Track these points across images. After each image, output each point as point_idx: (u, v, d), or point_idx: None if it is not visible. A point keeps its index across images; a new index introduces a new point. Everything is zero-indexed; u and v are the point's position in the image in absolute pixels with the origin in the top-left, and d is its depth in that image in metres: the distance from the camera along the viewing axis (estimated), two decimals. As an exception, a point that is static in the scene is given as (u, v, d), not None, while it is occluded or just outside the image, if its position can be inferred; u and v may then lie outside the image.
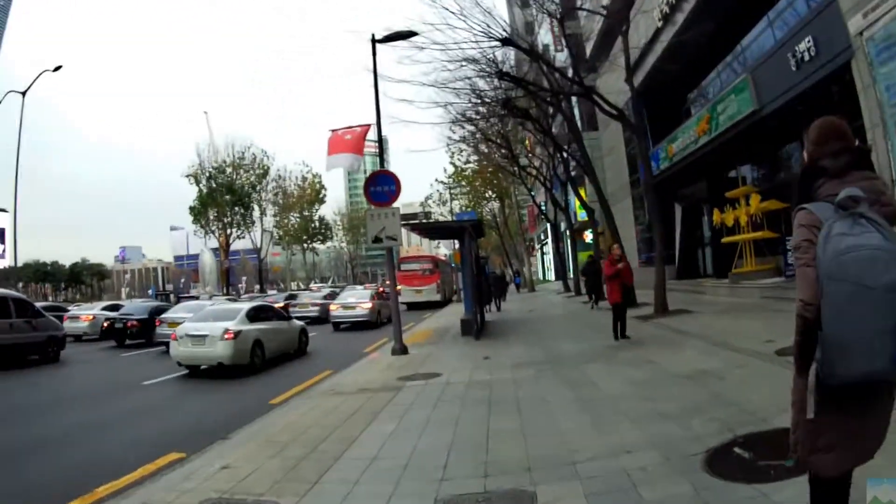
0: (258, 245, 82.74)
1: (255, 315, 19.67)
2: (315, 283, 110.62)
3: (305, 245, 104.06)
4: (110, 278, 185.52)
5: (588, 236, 47.96)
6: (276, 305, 27.49)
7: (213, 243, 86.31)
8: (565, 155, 40.45)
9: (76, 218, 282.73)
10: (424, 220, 24.76)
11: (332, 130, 19.97)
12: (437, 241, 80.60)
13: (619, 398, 9.94)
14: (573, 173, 43.40)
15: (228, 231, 76.06)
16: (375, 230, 18.27)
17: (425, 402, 11.22)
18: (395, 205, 18.73)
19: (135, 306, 33.51)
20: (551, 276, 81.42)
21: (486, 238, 67.41)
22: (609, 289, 17.07)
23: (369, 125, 20.04)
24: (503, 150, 48.50)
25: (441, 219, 63.34)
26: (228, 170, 75.65)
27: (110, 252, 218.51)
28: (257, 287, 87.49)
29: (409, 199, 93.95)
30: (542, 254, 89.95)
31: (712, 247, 30.83)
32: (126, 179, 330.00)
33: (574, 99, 36.29)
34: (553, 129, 42.15)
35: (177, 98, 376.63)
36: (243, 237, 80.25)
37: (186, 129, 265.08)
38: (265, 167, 79.07)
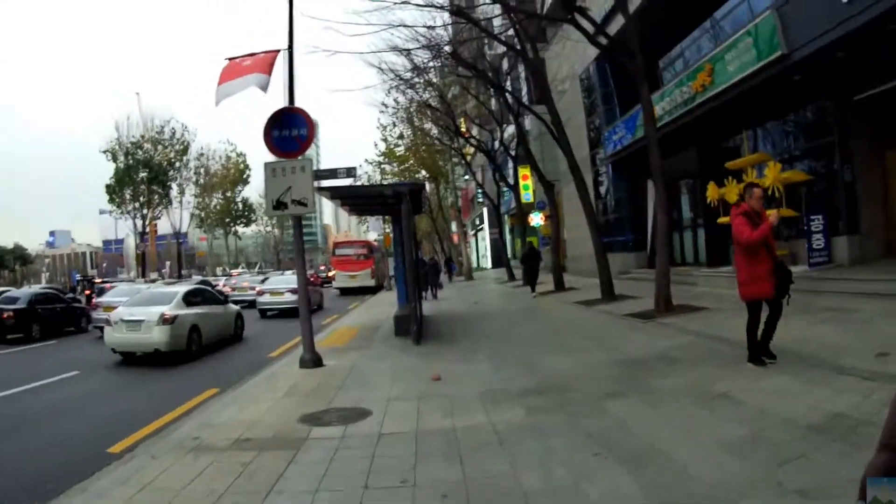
0: (177, 228, 78.29)
1: (191, 299, 19.00)
2: (238, 269, 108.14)
3: (228, 228, 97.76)
4: (33, 263, 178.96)
5: (534, 219, 43.88)
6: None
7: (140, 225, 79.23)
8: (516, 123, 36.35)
9: (7, 202, 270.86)
10: (352, 185, 19.08)
11: (229, 59, 14.54)
12: (365, 225, 75.92)
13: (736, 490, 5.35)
14: (514, 153, 40.82)
15: (145, 211, 70.91)
16: (278, 191, 13.27)
17: (340, 486, 6.34)
18: (306, 154, 13.90)
19: (19, 293, 30.24)
20: (487, 263, 77.69)
21: (417, 223, 62.53)
22: (751, 269, 9.11)
23: (279, 50, 14.46)
24: (440, 124, 45.79)
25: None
26: (147, 145, 69.70)
27: (43, 237, 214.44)
28: (188, 272, 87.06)
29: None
30: (477, 240, 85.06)
31: (705, 230, 25.84)
32: (52, 158, 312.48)
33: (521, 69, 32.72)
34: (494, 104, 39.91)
35: (94, 69, 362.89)
36: (159, 218, 75.85)
37: (112, 104, 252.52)
38: (185, 143, 73.88)
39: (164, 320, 16.79)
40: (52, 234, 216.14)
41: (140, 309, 17.54)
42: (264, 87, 13.46)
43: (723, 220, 21.34)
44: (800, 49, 16.67)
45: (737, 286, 9.46)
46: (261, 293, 32.10)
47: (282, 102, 13.92)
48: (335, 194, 17.55)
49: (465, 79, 36.14)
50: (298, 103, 14.04)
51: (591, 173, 34.02)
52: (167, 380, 14.91)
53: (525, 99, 38.89)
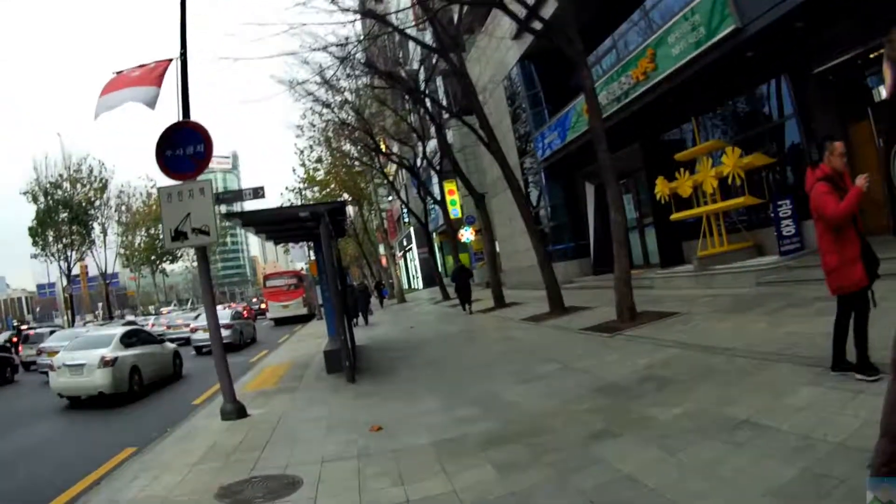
0: (102, 268, 75.64)
1: (129, 340, 18.94)
2: (169, 307, 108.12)
3: (155, 266, 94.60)
4: None
5: (464, 235, 42.82)
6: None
7: (75, 269, 75.57)
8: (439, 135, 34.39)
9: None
10: (263, 210, 17.07)
11: (117, 72, 12.75)
12: (289, 254, 74.41)
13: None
14: (439, 167, 39.24)
15: (68, 253, 67.54)
16: (176, 219, 11.45)
17: None
18: (204, 176, 11.99)
19: None
20: (418, 283, 75.84)
21: (344, 248, 66.81)
22: (840, 253, 6.98)
23: (170, 59, 12.59)
24: (359, 143, 45.13)
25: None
26: (66, 184, 66.86)
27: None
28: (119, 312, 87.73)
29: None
30: (407, 261, 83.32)
31: (655, 228, 24.12)
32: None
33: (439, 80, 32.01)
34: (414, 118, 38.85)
35: (17, 110, 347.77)
36: (82, 259, 72.96)
37: (35, 145, 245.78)
38: (103, 180, 70.65)
39: (104, 363, 16.87)
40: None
41: (80, 353, 17.47)
42: (151, 102, 11.68)
43: (677, 215, 20.17)
44: (755, 21, 15.39)
45: (824, 278, 7.20)
46: (194, 330, 31.72)
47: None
48: (247, 221, 15.63)
49: (382, 90, 34.94)
50: (211, 129, 12.07)
51: (522, 182, 32.51)
52: (81, 437, 13.50)
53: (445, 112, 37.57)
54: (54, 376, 17.41)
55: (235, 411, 11.47)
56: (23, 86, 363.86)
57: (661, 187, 20.49)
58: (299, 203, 57.40)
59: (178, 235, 11.32)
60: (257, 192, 13.68)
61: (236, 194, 13.53)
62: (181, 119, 12.14)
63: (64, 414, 16.55)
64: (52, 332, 32.54)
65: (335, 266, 15.94)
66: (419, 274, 73.91)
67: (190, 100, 12.49)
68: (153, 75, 12.17)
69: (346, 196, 59.12)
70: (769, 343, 9.42)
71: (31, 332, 36.96)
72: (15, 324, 75.76)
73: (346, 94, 39.15)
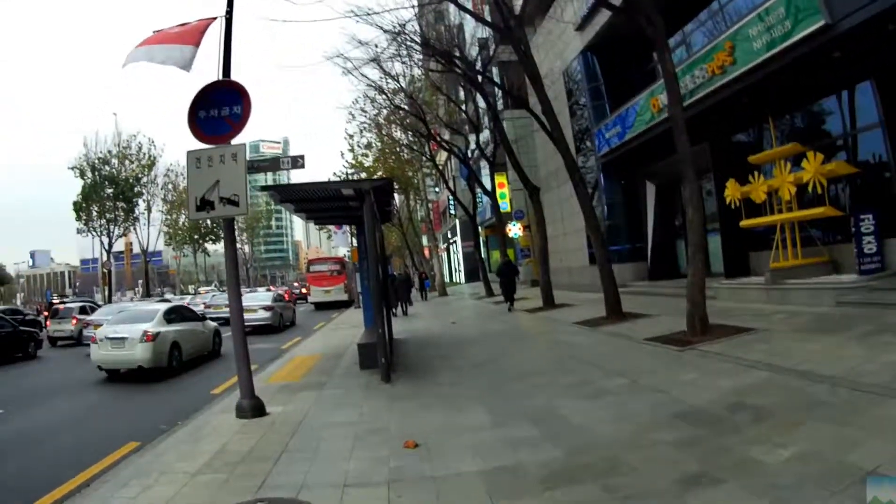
0: (144, 246, 76.22)
1: (171, 316, 19.43)
2: (208, 287, 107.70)
3: (197, 245, 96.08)
4: (9, 283, 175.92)
5: (512, 230, 40.83)
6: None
7: (117, 244, 76.40)
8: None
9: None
10: (301, 184, 15.51)
11: (156, 31, 11.46)
12: (330, 237, 73.72)
13: None
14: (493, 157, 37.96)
15: (111, 228, 67.57)
16: (203, 187, 10.17)
17: None
18: (237, 140, 10.58)
19: None
20: (460, 277, 74.27)
21: (387, 237, 60.22)
22: None
23: (214, 18, 11.30)
24: (410, 128, 44.07)
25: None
26: (114, 161, 67.04)
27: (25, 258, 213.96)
28: (159, 290, 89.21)
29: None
30: (450, 254, 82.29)
31: (721, 235, 22.19)
32: (28, 181, 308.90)
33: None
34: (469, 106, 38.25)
35: (74, 90, 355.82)
36: (124, 235, 72.43)
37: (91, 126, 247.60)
38: (152, 157, 70.90)
39: (146, 338, 17.25)
40: (32, 254, 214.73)
41: (123, 327, 17.93)
42: (187, 65, 10.41)
43: (748, 222, 18.53)
44: (845, 19, 13.85)
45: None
46: None
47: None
48: (285, 195, 14.26)
49: (439, 74, 33.59)
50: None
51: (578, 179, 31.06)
52: (86, 426, 12.28)
53: (500, 103, 36.30)
54: (95, 349, 17.87)
55: (252, 409, 10.17)
56: (82, 66, 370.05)
57: (732, 191, 18.82)
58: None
59: (204, 205, 10.04)
60: (296, 162, 12.08)
61: (273, 163, 11.85)
62: (223, 77, 10.82)
63: (73, 396, 15.58)
64: (81, 308, 32.94)
65: (378, 251, 14.50)
66: (462, 268, 72.51)
67: (231, 60, 11.12)
68: (194, 33, 10.94)
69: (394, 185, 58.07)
70: (874, 374, 7.96)
71: (62, 306, 36.20)
72: (53, 297, 75.67)
73: (401, 80, 38.46)
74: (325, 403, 11.09)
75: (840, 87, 16.89)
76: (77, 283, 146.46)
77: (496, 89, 33.20)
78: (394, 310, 29.42)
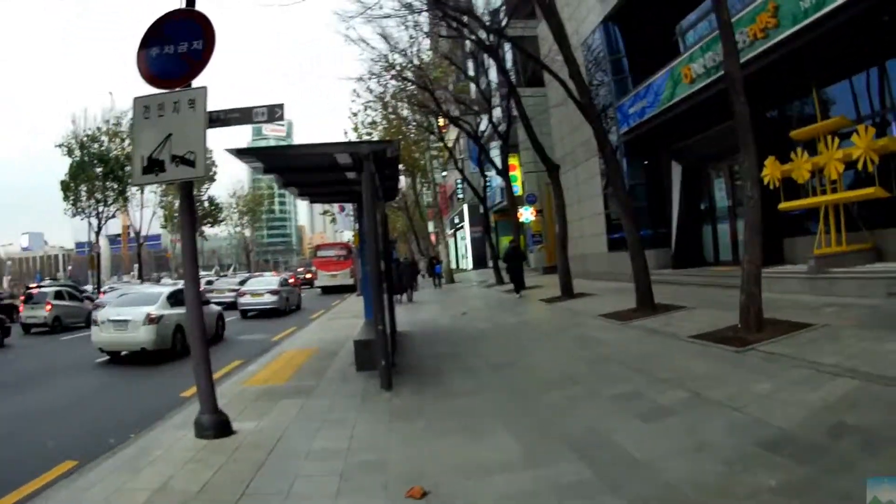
0: (138, 228, 75.09)
1: (175, 299, 18.98)
2: (208, 272, 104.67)
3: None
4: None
5: (524, 214, 39.18)
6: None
7: (113, 226, 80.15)
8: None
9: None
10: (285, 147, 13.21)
11: None
12: (336, 225, 72.42)
13: None
14: (506, 134, 35.23)
15: (101, 209, 65.04)
16: (151, 144, 8.04)
17: None
18: (198, 82, 8.37)
19: None
20: (467, 263, 72.23)
21: (392, 222, 65.45)
22: None
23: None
24: (417, 105, 41.53)
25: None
26: (103, 138, 64.06)
27: (19, 240, 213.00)
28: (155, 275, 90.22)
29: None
30: (457, 239, 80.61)
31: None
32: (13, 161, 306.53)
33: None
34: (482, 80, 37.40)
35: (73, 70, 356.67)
36: (114, 216, 71.27)
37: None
38: None
39: (149, 320, 17.58)
40: (24, 235, 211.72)
41: (126, 309, 18.20)
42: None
43: (787, 204, 16.65)
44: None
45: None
46: (242, 294, 33.94)
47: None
48: (268, 163, 12.00)
49: (448, 46, 31.69)
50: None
51: (597, 157, 28.92)
52: (39, 430, 10.51)
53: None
54: (97, 331, 18.17)
55: (214, 427, 8.08)
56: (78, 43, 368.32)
57: (772, 170, 16.76)
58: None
59: (153, 166, 7.88)
60: (274, 112, 9.48)
61: (244, 114, 9.17)
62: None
63: (35, 391, 14.17)
64: (57, 293, 32.24)
65: (378, 231, 12.17)
66: (469, 254, 70.75)
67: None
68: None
69: (399, 167, 56.03)
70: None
71: (36, 290, 35.32)
72: (44, 280, 75.12)
73: (408, 52, 36.33)
74: (308, 419, 8.99)
75: (890, 55, 15.01)
76: (70, 267, 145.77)
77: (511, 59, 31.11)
78: (399, 297, 29.22)
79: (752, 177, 11.56)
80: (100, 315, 18.77)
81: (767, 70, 16.69)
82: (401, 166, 54.05)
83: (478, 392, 9.83)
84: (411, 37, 34.08)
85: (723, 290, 17.54)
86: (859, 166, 14.22)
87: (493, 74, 38.95)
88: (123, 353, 17.89)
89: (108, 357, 18.11)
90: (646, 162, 25.79)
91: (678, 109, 21.07)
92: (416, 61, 36.60)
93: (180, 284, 28.07)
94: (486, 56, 34.11)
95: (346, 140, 40.65)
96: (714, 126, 20.59)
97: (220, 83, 10.70)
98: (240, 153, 10.35)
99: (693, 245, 24.34)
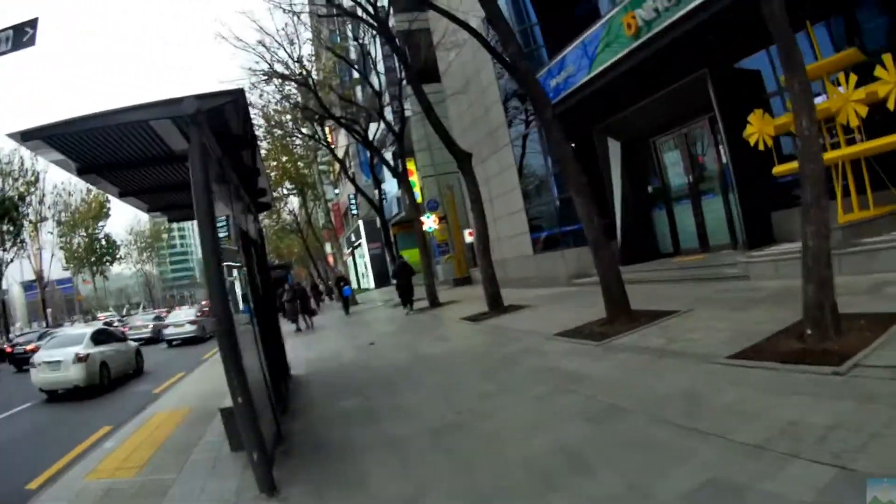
0: (37, 269, 73.69)
1: (98, 338, 21.02)
2: (106, 312, 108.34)
3: (94, 268, 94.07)
4: None
5: (426, 223, 34.87)
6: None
7: (21, 272, 78.67)
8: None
9: None
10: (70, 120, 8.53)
11: None
12: None
13: None
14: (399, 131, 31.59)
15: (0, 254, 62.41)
16: None
17: None
18: None
19: None
20: (368, 282, 68.07)
21: (288, 246, 69.33)
22: None
23: None
24: (301, 116, 37.53)
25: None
26: None
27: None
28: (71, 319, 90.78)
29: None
30: (355, 258, 75.87)
31: (737, 193, 16.00)
32: None
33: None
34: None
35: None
36: (12, 261, 66.56)
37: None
38: (35, 173, 66.59)
39: (78, 359, 18.89)
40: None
41: (57, 350, 19.51)
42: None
43: (783, 167, 13.21)
44: None
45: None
46: (166, 326, 39.09)
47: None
48: (67, 147, 7.36)
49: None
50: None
51: (511, 144, 25.25)
52: None
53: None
54: (35, 372, 19.40)
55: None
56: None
57: (760, 125, 13.25)
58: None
59: None
60: (23, 34, 5.32)
61: None
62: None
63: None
64: None
65: (215, 234, 6.97)
66: (370, 272, 66.55)
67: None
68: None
69: (287, 185, 54.41)
70: None
71: None
72: None
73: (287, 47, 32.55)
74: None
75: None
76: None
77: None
78: (298, 323, 29.24)
79: (805, 108, 7.58)
80: (35, 357, 20.10)
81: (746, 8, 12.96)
82: (288, 184, 50.35)
83: (419, 496, 5.73)
84: (286, 24, 30.82)
85: (704, 283, 14.57)
86: (890, 105, 10.84)
87: (381, 67, 35.55)
88: (59, 391, 19.16)
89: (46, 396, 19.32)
90: (573, 144, 21.79)
91: (616, 71, 17.25)
92: (294, 55, 32.49)
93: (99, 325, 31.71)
94: (371, 48, 31.40)
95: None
96: (663, 88, 17.17)
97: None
98: (24, 137, 6.25)
99: (644, 235, 20.65)
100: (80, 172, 8.54)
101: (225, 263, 7.49)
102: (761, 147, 13.17)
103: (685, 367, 8.01)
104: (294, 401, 11.36)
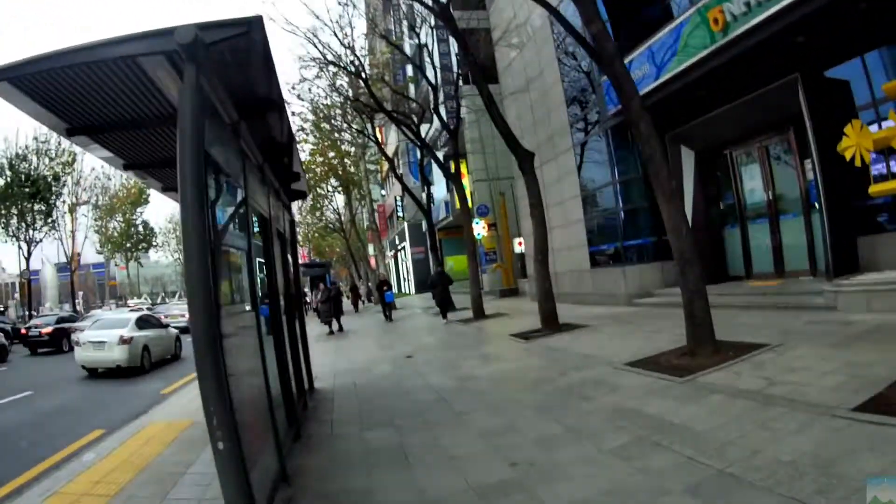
0: (68, 252, 70.71)
1: (142, 323, 22.67)
2: (137, 299, 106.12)
3: (130, 254, 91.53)
4: None
5: (475, 229, 32.14)
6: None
7: (57, 254, 75.78)
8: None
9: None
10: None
11: None
12: None
13: None
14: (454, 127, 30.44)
15: (30, 233, 60.99)
16: None
17: None
18: None
19: None
20: (409, 287, 66.51)
21: (331, 244, 69.39)
22: None
23: None
24: (352, 103, 35.01)
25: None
26: (32, 157, 60.01)
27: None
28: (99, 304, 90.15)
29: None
30: (398, 261, 75.30)
31: (826, 213, 14.12)
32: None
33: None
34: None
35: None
36: (41, 241, 65.08)
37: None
38: (72, 154, 63.68)
39: (122, 340, 20.52)
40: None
41: (103, 332, 21.03)
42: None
43: (880, 187, 10.96)
44: None
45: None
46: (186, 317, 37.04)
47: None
48: (43, 96, 5.73)
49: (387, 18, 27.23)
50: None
51: (573, 151, 23.77)
52: None
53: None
54: (79, 350, 20.98)
55: None
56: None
57: (858, 138, 11.31)
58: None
59: None
60: None
61: None
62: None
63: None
64: None
65: (202, 211, 4.63)
66: (412, 277, 64.82)
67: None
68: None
69: (333, 182, 53.41)
70: None
71: None
72: None
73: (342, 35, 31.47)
74: None
75: None
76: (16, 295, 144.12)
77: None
78: (330, 326, 28.64)
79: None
80: (80, 337, 21.75)
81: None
82: (332, 181, 48.92)
83: None
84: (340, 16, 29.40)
85: (786, 312, 13.28)
86: None
87: (437, 61, 33.65)
88: (100, 370, 20.59)
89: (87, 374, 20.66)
90: (641, 151, 20.04)
91: (696, 73, 15.64)
92: (347, 42, 31.38)
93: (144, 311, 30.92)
94: (428, 40, 30.19)
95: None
96: (746, 93, 15.50)
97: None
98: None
99: (714, 255, 18.76)
100: (70, 133, 7.00)
101: (228, 248, 6.01)
102: (857, 163, 11.41)
103: (802, 421, 6.32)
104: (312, 423, 9.79)
